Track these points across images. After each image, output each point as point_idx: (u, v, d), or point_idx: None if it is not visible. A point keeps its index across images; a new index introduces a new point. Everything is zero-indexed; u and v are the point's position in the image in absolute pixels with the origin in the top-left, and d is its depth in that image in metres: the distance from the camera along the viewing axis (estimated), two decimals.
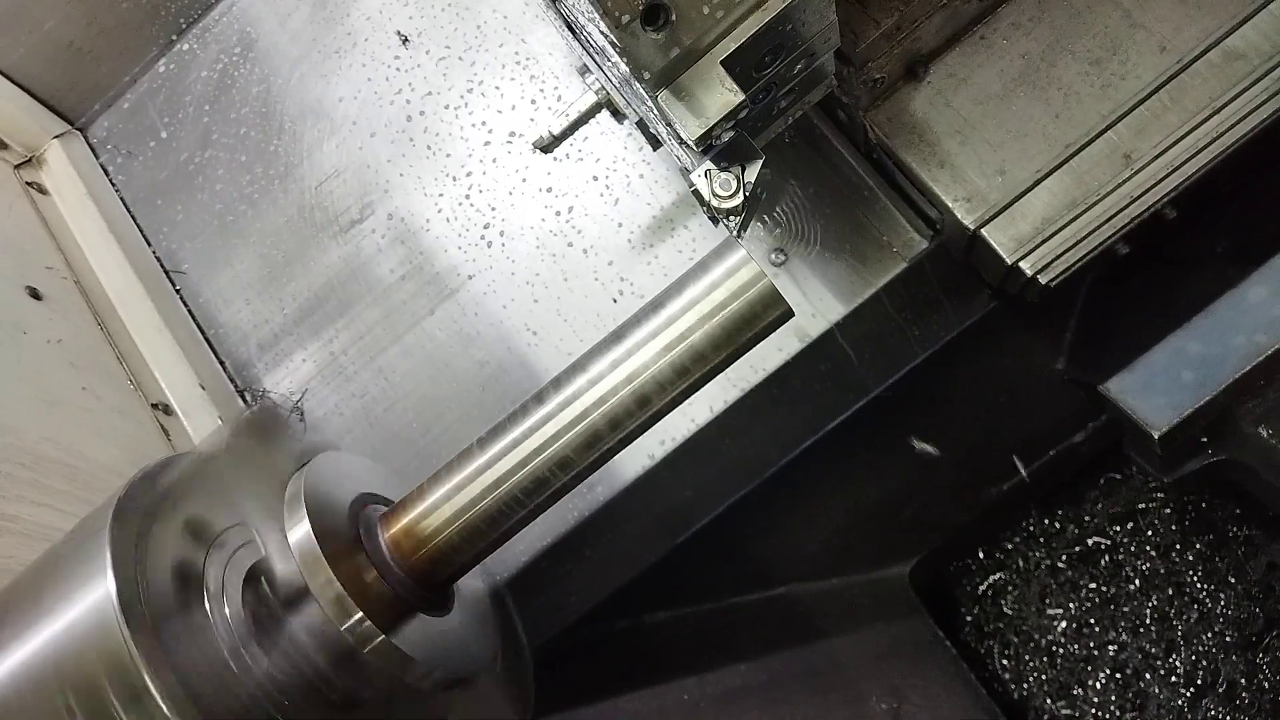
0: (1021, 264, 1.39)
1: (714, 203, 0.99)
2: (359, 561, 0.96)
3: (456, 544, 0.97)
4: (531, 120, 1.73)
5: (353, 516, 1.01)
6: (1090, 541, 2.14)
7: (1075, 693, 2.04)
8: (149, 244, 1.88)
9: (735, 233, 1.01)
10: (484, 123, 1.75)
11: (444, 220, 1.75)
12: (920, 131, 1.43)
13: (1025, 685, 2.07)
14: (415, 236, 1.76)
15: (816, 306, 1.59)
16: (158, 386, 1.71)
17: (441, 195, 1.76)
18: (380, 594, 0.93)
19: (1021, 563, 2.18)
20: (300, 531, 0.94)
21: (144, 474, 1.03)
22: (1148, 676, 1.98)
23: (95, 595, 0.90)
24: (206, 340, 1.82)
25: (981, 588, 2.23)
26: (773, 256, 1.61)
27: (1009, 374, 1.95)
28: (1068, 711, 2.04)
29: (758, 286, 0.93)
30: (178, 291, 1.85)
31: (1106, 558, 2.13)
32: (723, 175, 0.99)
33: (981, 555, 2.26)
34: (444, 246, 1.74)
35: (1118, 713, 1.98)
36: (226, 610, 0.96)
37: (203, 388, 1.72)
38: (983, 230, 1.40)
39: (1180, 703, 1.92)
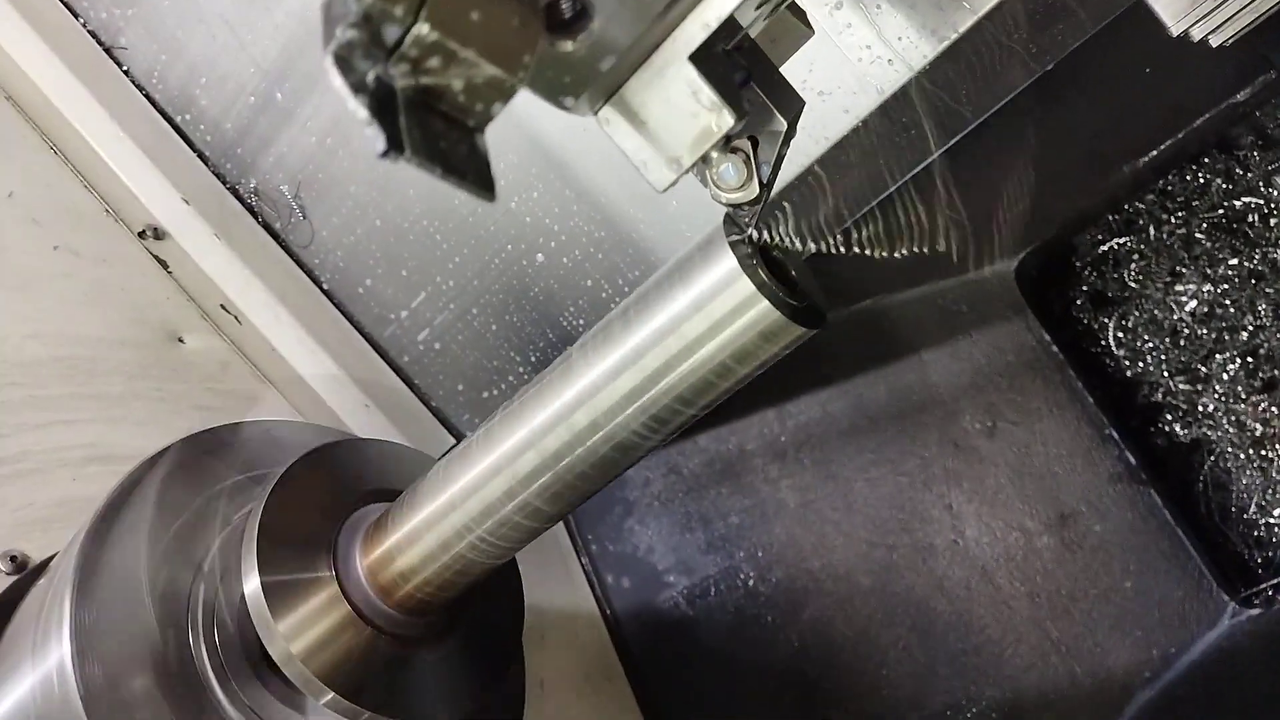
0: (1192, 31, 0.99)
1: (714, 195, 0.67)
2: (330, 601, 0.85)
3: (442, 583, 0.84)
4: None
5: (333, 534, 0.89)
6: (1239, 203, 1.81)
7: (1198, 370, 1.87)
8: (75, 16, 1.56)
9: (750, 225, 0.68)
10: None
11: None
12: None
13: (1141, 363, 1.91)
14: None
15: (894, 49, 1.20)
16: (138, 206, 1.52)
17: None
18: (356, 648, 0.83)
19: (1153, 230, 1.88)
20: (250, 585, 0.83)
21: (116, 492, 0.93)
22: None
23: (56, 662, 0.86)
24: (178, 131, 1.57)
25: (1102, 249, 1.97)
26: None
27: (1155, 38, 1.50)
28: (1186, 387, 1.89)
29: (755, 312, 0.66)
30: (126, 73, 1.57)
31: (1255, 219, 1.81)
32: (725, 161, 0.65)
33: (1109, 214, 1.96)
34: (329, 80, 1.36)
35: (1244, 395, 1.82)
36: (219, 641, 0.91)
37: (187, 202, 1.52)
38: None
39: None
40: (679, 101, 0.60)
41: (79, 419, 1.28)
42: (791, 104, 0.71)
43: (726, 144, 0.64)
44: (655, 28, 0.57)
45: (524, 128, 1.38)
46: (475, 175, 0.50)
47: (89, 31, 1.56)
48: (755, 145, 0.67)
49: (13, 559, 1.12)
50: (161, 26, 1.53)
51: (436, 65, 0.47)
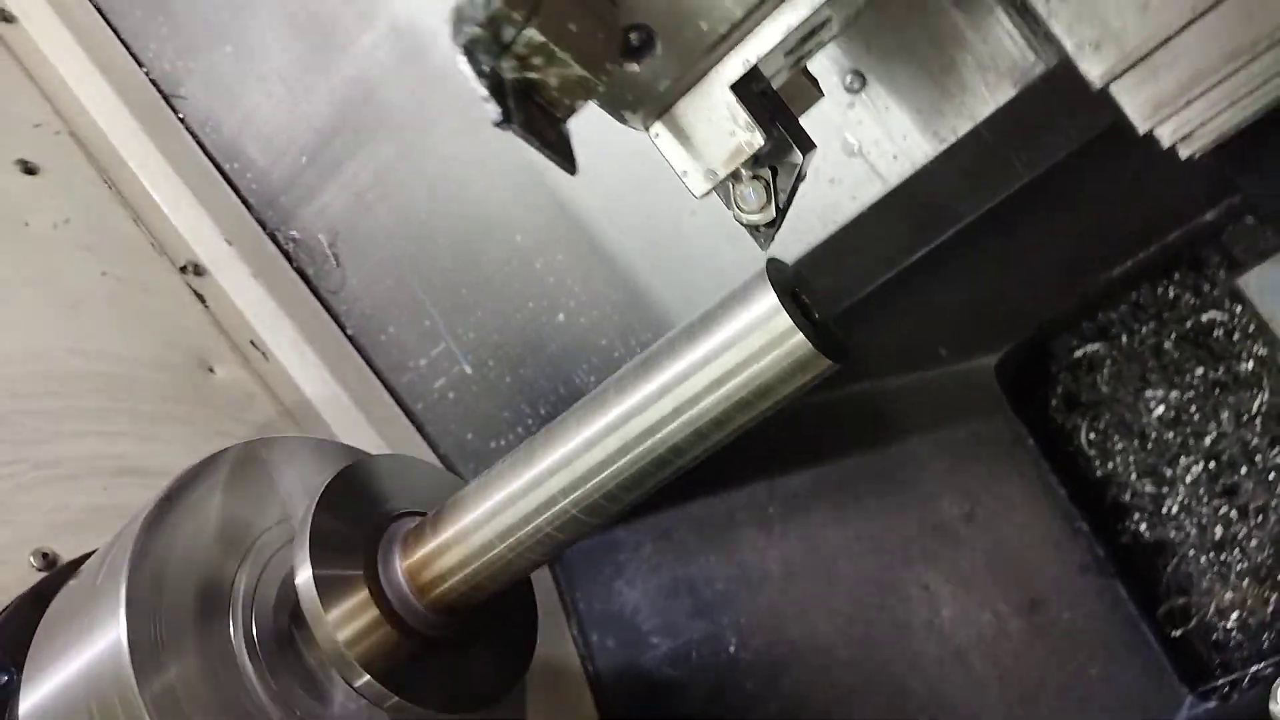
0: (1158, 131, 1.11)
1: (736, 215, 0.78)
2: (370, 598, 0.91)
3: (475, 585, 0.91)
4: None
5: (374, 539, 0.96)
6: (1205, 317, 1.95)
7: (1164, 473, 1.97)
8: (140, 65, 1.67)
9: (765, 244, 0.79)
10: None
11: None
12: None
13: (1111, 464, 2.02)
14: (423, 53, 1.51)
15: (899, 146, 1.33)
16: (182, 243, 1.61)
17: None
18: (390, 641, 0.89)
19: (1125, 338, 2.01)
20: (302, 576, 0.89)
21: (176, 484, 0.99)
22: (1244, 469, 1.88)
23: (109, 639, 0.90)
24: (225, 178, 1.68)
25: (1077, 354, 2.09)
26: (848, 80, 1.32)
27: (1133, 156, 1.65)
28: (1152, 489, 1.99)
29: (789, 345, 0.75)
30: (182, 120, 1.68)
31: (1220, 333, 1.94)
32: (749, 185, 0.77)
33: (1083, 320, 2.09)
34: (457, 66, 1.49)
35: (1206, 498, 1.92)
36: (255, 629, 0.96)
37: (229, 243, 1.61)
38: (1112, 87, 1.10)
39: (1274, 500, 1.84)
40: (719, 122, 0.73)
41: (113, 432, 1.34)
42: (807, 143, 0.83)
43: (754, 164, 0.76)
44: (705, 60, 0.70)
45: (554, 194, 1.49)
46: (562, 152, 0.62)
47: (151, 80, 1.67)
48: (775, 175, 0.78)
49: (44, 556, 1.17)
50: (220, 82, 1.65)
51: (539, 63, 0.60)
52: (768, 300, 0.75)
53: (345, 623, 0.88)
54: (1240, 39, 1.04)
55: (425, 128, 1.55)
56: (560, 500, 0.85)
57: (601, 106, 0.71)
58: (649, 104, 0.72)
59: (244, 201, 1.67)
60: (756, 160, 0.75)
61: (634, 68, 0.69)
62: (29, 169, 1.47)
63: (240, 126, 1.66)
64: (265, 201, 1.67)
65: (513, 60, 0.60)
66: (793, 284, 0.78)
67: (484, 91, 0.59)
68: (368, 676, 0.87)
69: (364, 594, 0.91)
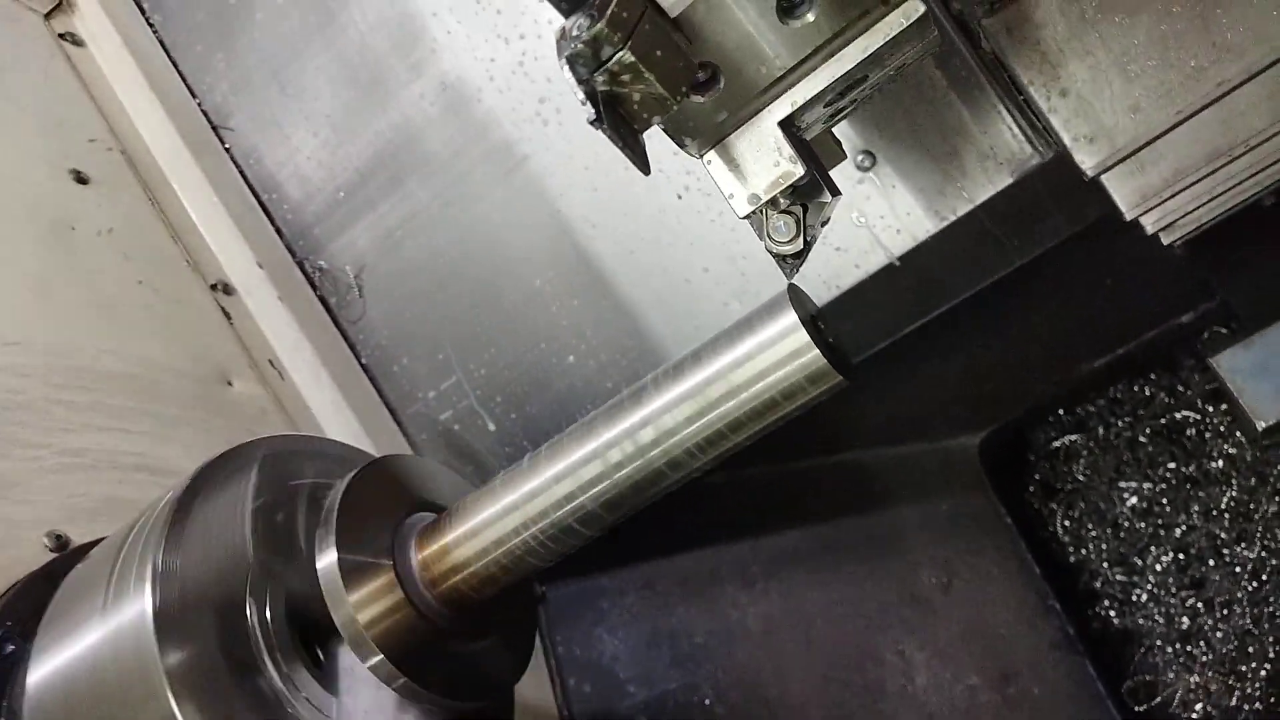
0: (1143, 219, 1.22)
1: (767, 245, 0.87)
2: (387, 586, 0.96)
3: (487, 576, 0.96)
4: None
5: (392, 531, 1.01)
6: (1179, 415, 2.05)
7: (1135, 562, 2.04)
8: (194, 96, 1.77)
9: (790, 274, 0.88)
10: None
11: (497, 91, 1.59)
12: (1044, 50, 1.20)
13: (1084, 550, 2.08)
14: (467, 106, 1.61)
15: (903, 221, 1.43)
16: (215, 263, 1.68)
17: (493, 60, 1.58)
18: (403, 627, 0.94)
19: (1102, 430, 2.10)
20: (326, 559, 0.95)
21: (204, 470, 1.04)
22: (1211, 562, 1.96)
23: (134, 610, 0.94)
24: (262, 207, 1.76)
25: (1055, 444, 2.18)
26: (859, 158, 1.43)
27: (1118, 253, 1.77)
28: (1122, 578, 2.05)
29: (806, 359, 0.83)
30: (227, 150, 1.77)
31: (1193, 432, 2.04)
32: (779, 218, 0.86)
33: (1061, 411, 2.19)
34: (497, 121, 1.60)
35: (1174, 589, 1.99)
36: (270, 613, 1.00)
37: (260, 266, 1.69)
38: (1103, 177, 1.21)
39: (1240, 593, 1.91)
40: (766, 153, 0.83)
41: (135, 430, 1.39)
42: (834, 188, 0.92)
43: (791, 195, 0.85)
44: (759, 100, 0.81)
45: (576, 245, 1.58)
46: (639, 155, 0.72)
47: (202, 110, 1.77)
48: (805, 212, 0.87)
49: (57, 538, 1.21)
50: (268, 118, 1.75)
51: (627, 79, 0.70)
52: (788, 318, 0.83)
53: (364, 606, 0.93)
54: (1219, 143, 1.16)
55: (459, 175, 1.64)
56: (579, 495, 0.91)
57: (666, 130, 0.81)
58: (707, 133, 0.82)
59: (277, 230, 1.75)
60: (794, 191, 0.84)
61: (699, 99, 0.79)
62: (80, 179, 1.55)
63: (283, 161, 1.75)
64: (298, 231, 1.75)
65: (605, 75, 0.70)
66: (810, 309, 0.87)
67: (583, 96, 0.69)
68: (381, 656, 0.91)
69: (382, 581, 0.96)
